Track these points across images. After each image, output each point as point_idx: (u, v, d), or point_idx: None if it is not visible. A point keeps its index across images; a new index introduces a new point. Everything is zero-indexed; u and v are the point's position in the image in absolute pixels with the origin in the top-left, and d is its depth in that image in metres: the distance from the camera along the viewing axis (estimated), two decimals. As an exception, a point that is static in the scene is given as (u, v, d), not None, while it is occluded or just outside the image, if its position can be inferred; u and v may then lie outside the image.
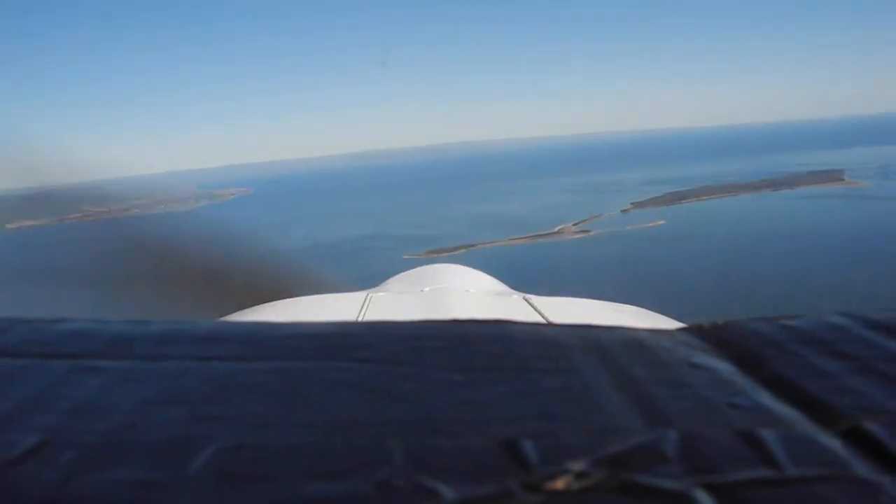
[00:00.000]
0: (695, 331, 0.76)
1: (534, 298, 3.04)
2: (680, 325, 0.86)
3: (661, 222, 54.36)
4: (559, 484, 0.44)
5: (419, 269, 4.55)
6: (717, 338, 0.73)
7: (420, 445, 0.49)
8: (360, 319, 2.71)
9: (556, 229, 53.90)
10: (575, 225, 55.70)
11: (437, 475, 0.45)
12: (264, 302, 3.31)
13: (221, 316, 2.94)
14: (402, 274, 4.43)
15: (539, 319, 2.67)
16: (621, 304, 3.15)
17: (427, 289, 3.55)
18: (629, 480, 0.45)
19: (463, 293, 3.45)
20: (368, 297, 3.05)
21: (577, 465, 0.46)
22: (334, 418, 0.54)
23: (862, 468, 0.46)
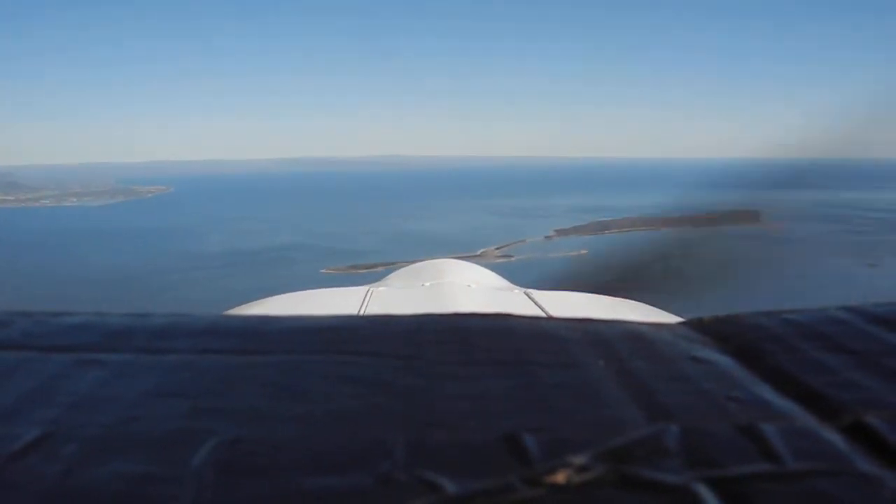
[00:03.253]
0: (695, 325, 0.76)
1: (535, 293, 3.04)
2: (681, 319, 0.86)
3: (584, 251, 54.60)
4: (560, 477, 0.44)
5: (420, 263, 4.54)
6: (718, 332, 0.73)
7: (421, 439, 0.49)
8: (361, 314, 2.65)
9: (478, 252, 53.55)
10: (498, 249, 55.50)
11: (437, 469, 0.45)
12: None
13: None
14: (403, 269, 4.44)
15: (540, 314, 2.64)
16: (622, 299, 3.13)
17: (428, 283, 3.53)
18: (630, 474, 0.45)
19: (464, 288, 3.42)
20: (370, 292, 3.04)
21: (578, 459, 0.46)
22: (335, 412, 0.54)
23: (863, 462, 0.46)
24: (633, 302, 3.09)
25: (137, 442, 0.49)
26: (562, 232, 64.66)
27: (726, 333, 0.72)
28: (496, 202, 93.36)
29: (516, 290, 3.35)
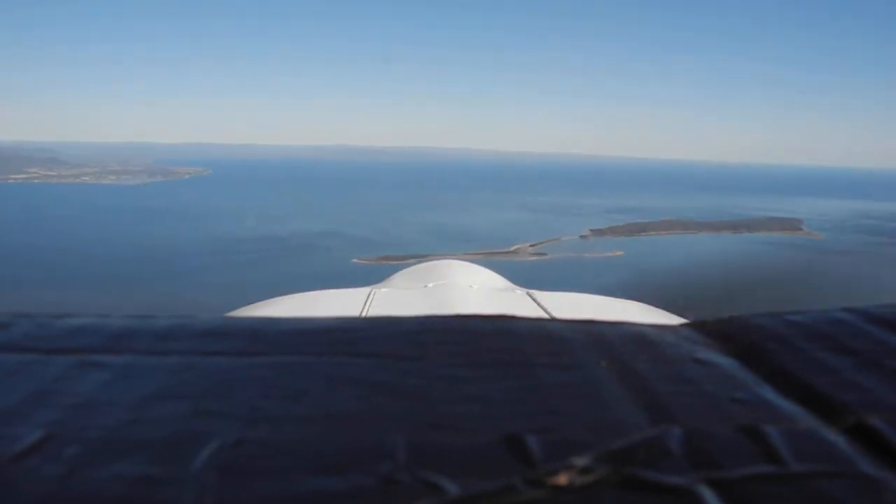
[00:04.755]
0: (698, 326, 0.76)
1: (537, 294, 3.00)
2: (683, 320, 0.86)
3: (620, 253, 53.63)
4: (562, 479, 0.45)
5: (423, 264, 4.51)
6: (721, 333, 0.73)
7: (423, 440, 0.50)
8: (363, 315, 2.62)
9: (512, 248, 53.04)
10: (532, 246, 54.87)
11: (439, 470, 0.45)
12: None
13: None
14: (406, 270, 4.44)
15: (543, 315, 2.62)
16: (625, 300, 3.10)
17: (431, 284, 3.51)
18: (632, 476, 0.45)
19: (466, 289, 3.40)
20: (372, 293, 3.03)
21: (581, 461, 0.46)
22: (337, 413, 0.54)
23: (866, 464, 0.46)
24: (636, 303, 3.07)
25: (139, 444, 0.49)
26: (597, 232, 63.85)
27: (729, 334, 0.72)
28: (532, 198, 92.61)
29: (519, 291, 3.31)
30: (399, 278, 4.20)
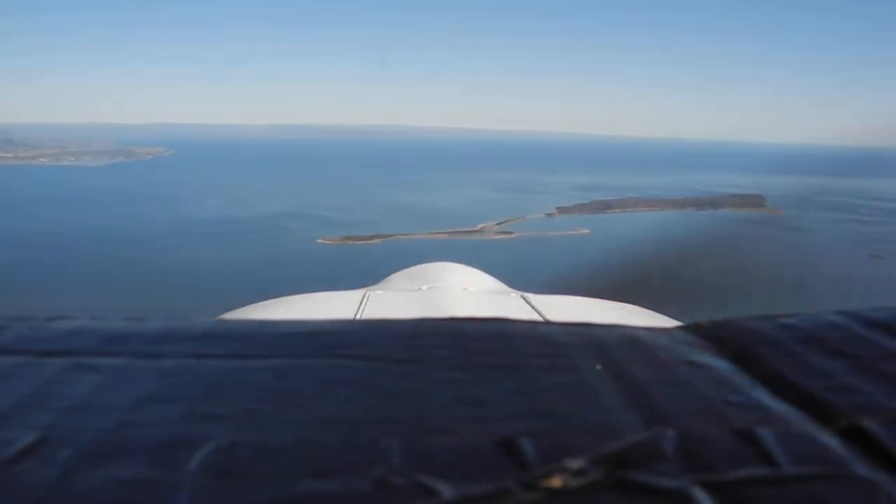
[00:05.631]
0: (693, 329, 0.76)
1: (532, 297, 3.04)
2: (678, 323, 0.86)
3: (586, 231, 53.77)
4: (556, 482, 0.44)
5: (417, 266, 4.53)
6: (715, 336, 0.73)
7: (417, 443, 0.49)
8: (357, 317, 2.64)
9: (477, 227, 52.94)
10: (498, 224, 54.77)
11: (434, 473, 0.45)
12: None
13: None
14: (401, 272, 4.44)
15: (537, 318, 2.63)
16: (620, 303, 3.14)
17: (425, 287, 3.53)
18: (627, 478, 0.45)
19: (461, 291, 3.43)
20: (366, 295, 3.04)
21: (575, 463, 0.46)
22: (331, 416, 0.54)
23: (860, 466, 0.46)
24: (631, 306, 3.09)
25: (133, 447, 0.49)
26: (563, 210, 63.85)
27: (723, 338, 0.72)
28: (498, 176, 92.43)
29: (513, 294, 3.32)
30: (394, 280, 4.23)
